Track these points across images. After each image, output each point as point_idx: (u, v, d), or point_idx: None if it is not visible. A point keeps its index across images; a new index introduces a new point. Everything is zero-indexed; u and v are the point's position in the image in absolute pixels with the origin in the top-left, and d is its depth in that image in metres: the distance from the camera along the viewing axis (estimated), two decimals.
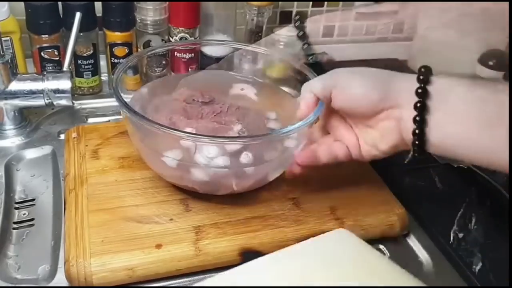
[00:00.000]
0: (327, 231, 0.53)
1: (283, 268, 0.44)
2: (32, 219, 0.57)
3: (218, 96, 0.61)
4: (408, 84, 0.46)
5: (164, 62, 0.79)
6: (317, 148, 0.53)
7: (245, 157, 0.51)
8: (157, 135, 0.50)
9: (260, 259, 0.45)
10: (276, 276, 0.43)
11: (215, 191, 0.55)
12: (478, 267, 0.53)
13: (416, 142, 0.45)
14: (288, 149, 0.54)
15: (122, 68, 0.57)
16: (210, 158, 0.50)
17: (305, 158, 0.52)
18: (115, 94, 0.52)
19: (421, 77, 0.45)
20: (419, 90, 0.45)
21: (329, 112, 0.53)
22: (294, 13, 0.93)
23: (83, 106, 0.76)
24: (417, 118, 0.45)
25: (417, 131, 0.45)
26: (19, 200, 0.59)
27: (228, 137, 0.53)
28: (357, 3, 0.96)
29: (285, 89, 0.64)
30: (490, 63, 0.80)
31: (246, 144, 0.51)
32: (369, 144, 0.51)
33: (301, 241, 0.52)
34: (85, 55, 0.75)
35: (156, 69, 0.79)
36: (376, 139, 0.50)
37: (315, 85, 0.51)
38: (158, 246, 0.49)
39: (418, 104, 0.45)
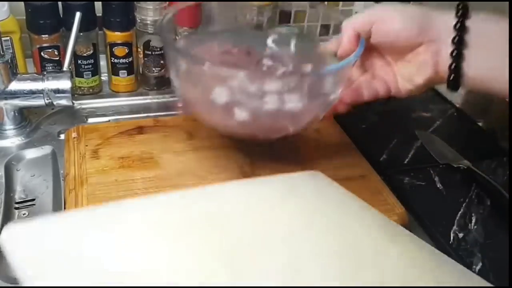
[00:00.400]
0: None
1: (248, 194, 0.43)
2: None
3: (253, 49, 0.62)
4: (446, 19, 0.48)
5: (162, 62, 0.79)
6: (359, 86, 0.55)
7: (292, 97, 0.51)
8: (205, 76, 0.51)
9: (226, 184, 0.44)
10: (240, 201, 0.42)
11: (259, 134, 0.56)
12: (478, 267, 0.53)
13: (452, 76, 0.48)
14: (332, 88, 0.54)
15: (173, 12, 0.57)
16: (260, 95, 0.50)
17: (350, 95, 0.55)
18: (162, 36, 0.53)
19: (459, 13, 0.47)
20: (457, 25, 0.47)
21: (368, 51, 0.54)
22: (293, 13, 0.93)
23: (83, 106, 0.76)
24: (454, 53, 0.47)
25: (453, 66, 0.47)
26: (19, 200, 0.59)
27: (281, 73, 0.55)
28: (356, 3, 0.96)
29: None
30: None
31: (295, 81, 0.51)
32: (406, 79, 0.53)
33: None
34: (85, 55, 0.75)
35: (153, 69, 0.79)
36: (412, 73, 0.52)
37: (356, 21, 0.53)
38: None
39: (456, 39, 0.47)
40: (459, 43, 0.47)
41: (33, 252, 0.35)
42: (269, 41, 0.63)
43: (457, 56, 0.47)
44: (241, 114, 0.51)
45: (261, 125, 0.54)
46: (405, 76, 0.53)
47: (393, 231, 0.44)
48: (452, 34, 0.47)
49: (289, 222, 0.41)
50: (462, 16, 0.47)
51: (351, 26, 0.53)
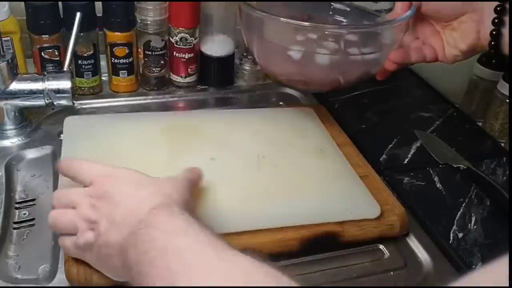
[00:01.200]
0: (328, 230, 0.53)
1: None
2: (33, 219, 0.57)
3: (314, 15, 0.71)
4: None
5: (162, 62, 0.79)
6: (408, 49, 0.62)
7: (354, 49, 0.60)
8: (280, 32, 0.62)
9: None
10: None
11: (323, 86, 0.67)
12: (478, 267, 0.53)
13: (493, 43, 0.54)
14: (384, 47, 0.62)
15: None
16: (329, 48, 0.60)
17: (399, 56, 0.61)
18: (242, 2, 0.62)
19: None
20: None
21: (419, 20, 0.62)
22: None
23: (84, 106, 0.76)
24: (496, 20, 0.53)
25: (494, 32, 0.53)
26: (20, 200, 0.59)
27: (347, 26, 0.68)
28: (356, 3, 0.96)
29: None
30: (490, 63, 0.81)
31: (354, 33, 0.61)
32: (451, 45, 0.59)
33: (302, 241, 0.53)
34: (85, 55, 0.75)
35: (154, 69, 0.79)
36: (457, 40, 0.58)
37: None
38: None
39: (498, 8, 0.53)
40: (501, 11, 0.52)
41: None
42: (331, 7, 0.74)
43: (499, 22, 0.53)
44: (297, 55, 0.61)
45: (315, 74, 0.63)
46: (450, 42, 0.59)
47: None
48: (494, 3, 0.53)
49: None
50: None
51: None
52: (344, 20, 0.73)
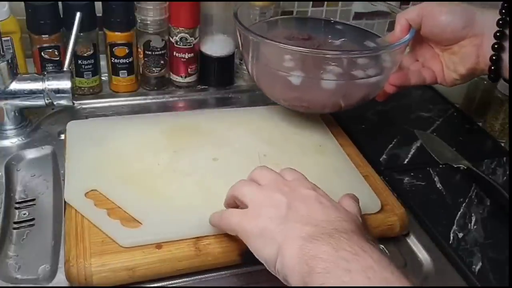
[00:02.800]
0: None
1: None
2: (33, 219, 0.57)
3: (313, 35, 0.71)
4: (490, 15, 0.54)
5: (162, 62, 0.79)
6: (408, 71, 0.62)
7: (358, 72, 0.61)
8: (278, 56, 0.61)
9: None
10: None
11: (324, 109, 0.67)
12: (478, 267, 0.53)
13: (493, 67, 0.54)
14: (385, 69, 0.63)
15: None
16: (330, 72, 0.59)
17: (398, 79, 0.62)
18: (238, 25, 0.62)
19: (503, 10, 0.53)
20: (500, 21, 0.53)
21: (419, 42, 0.62)
22: (295, 13, 0.93)
23: (84, 106, 0.76)
24: (496, 46, 0.53)
25: (494, 57, 0.54)
26: (20, 200, 0.59)
27: (355, 51, 0.65)
28: (355, 3, 0.96)
29: None
30: None
31: (358, 57, 0.61)
32: (451, 69, 0.60)
33: None
34: (85, 55, 0.75)
35: (154, 69, 0.79)
36: (457, 63, 0.59)
37: (409, 13, 0.60)
38: (159, 246, 0.49)
39: (498, 34, 0.53)
40: (501, 37, 0.53)
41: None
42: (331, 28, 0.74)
43: (499, 48, 0.53)
44: (296, 80, 0.60)
45: (316, 98, 0.63)
46: (450, 66, 0.60)
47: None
48: (494, 29, 0.54)
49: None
50: (505, 13, 0.53)
51: (404, 17, 0.60)
52: (344, 39, 0.73)
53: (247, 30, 0.61)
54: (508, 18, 0.53)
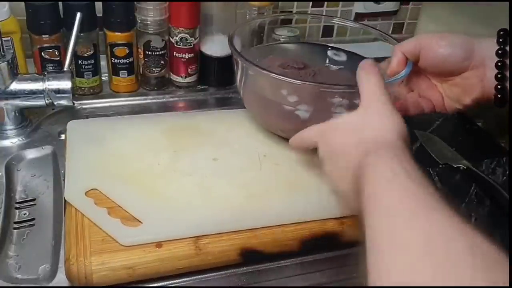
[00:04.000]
0: (328, 230, 0.54)
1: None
2: (33, 219, 0.57)
3: (309, 63, 0.68)
4: (489, 45, 0.54)
5: (162, 62, 0.79)
6: (406, 102, 0.60)
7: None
8: (284, 90, 0.58)
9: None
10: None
11: None
12: None
13: (498, 96, 0.54)
14: None
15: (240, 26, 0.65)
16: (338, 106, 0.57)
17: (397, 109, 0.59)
18: (235, 54, 0.60)
19: (500, 40, 0.53)
20: (499, 51, 0.53)
21: (414, 73, 0.60)
22: (294, 12, 0.93)
23: (84, 106, 0.76)
24: (499, 76, 0.53)
25: (499, 86, 0.54)
26: (20, 200, 0.60)
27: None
28: (355, 3, 0.96)
29: None
30: None
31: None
32: (454, 100, 0.59)
33: (302, 241, 0.53)
34: (85, 55, 0.75)
35: (154, 69, 0.79)
36: (460, 95, 0.58)
37: (406, 45, 0.58)
38: (159, 245, 0.49)
39: (499, 64, 0.53)
40: (502, 67, 0.53)
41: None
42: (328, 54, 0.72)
43: (502, 78, 0.53)
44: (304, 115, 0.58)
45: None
46: (451, 96, 0.59)
47: None
48: (495, 59, 0.53)
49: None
50: (503, 42, 0.53)
51: (400, 50, 0.58)
52: (341, 67, 0.71)
53: (249, 62, 0.59)
54: (507, 48, 0.53)
